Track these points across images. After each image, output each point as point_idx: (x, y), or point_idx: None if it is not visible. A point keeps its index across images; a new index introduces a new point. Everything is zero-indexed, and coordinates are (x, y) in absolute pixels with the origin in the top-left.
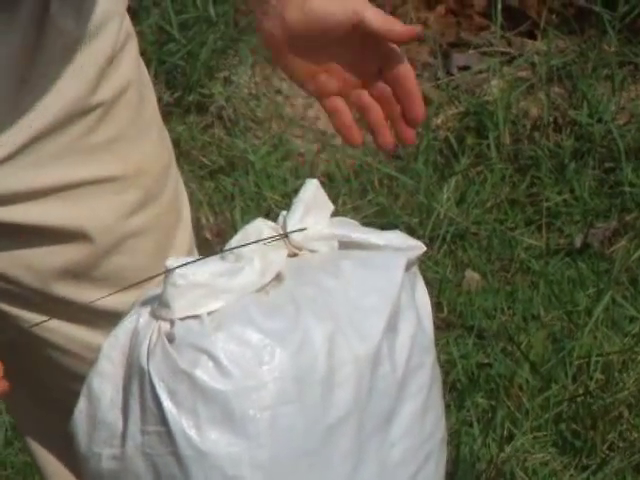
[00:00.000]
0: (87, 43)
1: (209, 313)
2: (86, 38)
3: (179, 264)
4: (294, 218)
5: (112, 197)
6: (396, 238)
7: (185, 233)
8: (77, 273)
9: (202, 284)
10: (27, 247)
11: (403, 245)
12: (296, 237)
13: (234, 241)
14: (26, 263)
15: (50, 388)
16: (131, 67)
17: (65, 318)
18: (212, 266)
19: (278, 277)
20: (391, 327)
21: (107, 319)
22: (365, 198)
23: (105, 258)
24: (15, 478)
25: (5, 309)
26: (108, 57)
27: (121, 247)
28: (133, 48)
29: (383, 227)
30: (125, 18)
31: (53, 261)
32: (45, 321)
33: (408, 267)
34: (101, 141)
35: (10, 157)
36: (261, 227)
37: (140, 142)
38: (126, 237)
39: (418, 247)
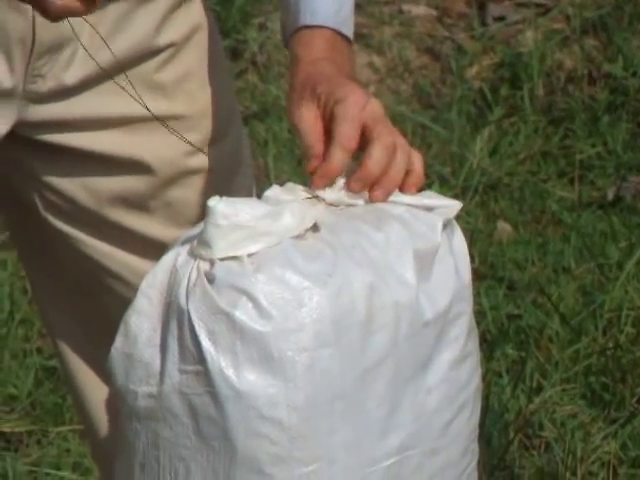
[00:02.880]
0: None
1: (249, 255)
2: None
3: (221, 203)
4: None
5: (172, 135)
6: (433, 199)
7: (245, 178)
8: (133, 201)
9: (243, 225)
10: (89, 171)
11: (440, 205)
12: (330, 195)
13: (270, 192)
14: (85, 185)
15: (95, 308)
16: (200, 10)
17: (118, 244)
18: (254, 208)
19: (315, 226)
20: (429, 277)
21: (157, 249)
22: None
23: (162, 190)
24: (45, 418)
25: (62, 227)
26: (175, 3)
27: (179, 182)
28: None
29: (423, 178)
30: None
31: (112, 186)
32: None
33: (445, 225)
34: (170, 80)
35: (81, 86)
36: (294, 187)
37: (207, 85)
38: (185, 173)
39: (455, 205)
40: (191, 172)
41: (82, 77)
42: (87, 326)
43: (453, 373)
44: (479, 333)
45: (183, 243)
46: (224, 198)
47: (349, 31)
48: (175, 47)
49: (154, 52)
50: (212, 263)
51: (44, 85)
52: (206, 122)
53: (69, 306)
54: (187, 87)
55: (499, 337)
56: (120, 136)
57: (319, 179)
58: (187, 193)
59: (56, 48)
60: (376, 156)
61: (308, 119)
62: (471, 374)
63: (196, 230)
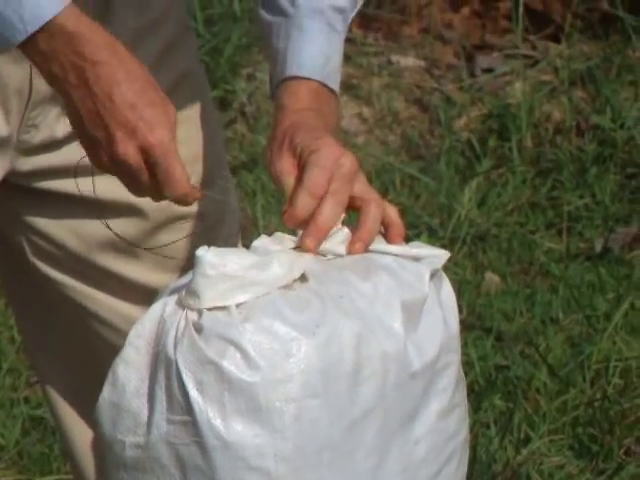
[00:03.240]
0: (146, 33)
1: (237, 305)
2: (146, 29)
3: (209, 253)
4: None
5: None
6: (421, 249)
7: (231, 226)
8: (122, 246)
9: (232, 275)
10: (79, 216)
11: (428, 255)
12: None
13: (258, 242)
14: (75, 230)
15: (84, 353)
16: (190, 56)
17: (106, 290)
18: (242, 258)
19: (303, 276)
20: (417, 327)
21: (146, 295)
22: (386, 198)
23: (151, 235)
24: (32, 468)
25: (49, 273)
26: (165, 47)
27: (168, 227)
28: (192, 40)
29: (404, 227)
30: (183, 12)
31: (102, 231)
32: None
33: (433, 274)
34: None
35: (71, 137)
36: (282, 236)
37: (199, 130)
38: (174, 218)
39: (443, 255)
40: (180, 217)
41: (68, 132)
42: (77, 372)
43: (441, 424)
44: (467, 384)
45: (171, 293)
46: (212, 248)
47: (335, 84)
48: (165, 92)
49: None
50: (200, 313)
51: (37, 136)
52: (198, 167)
53: (59, 352)
54: (179, 132)
55: (487, 388)
56: (112, 181)
57: (286, 221)
58: (175, 238)
59: (50, 99)
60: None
61: (287, 171)
62: (459, 425)
63: (184, 280)
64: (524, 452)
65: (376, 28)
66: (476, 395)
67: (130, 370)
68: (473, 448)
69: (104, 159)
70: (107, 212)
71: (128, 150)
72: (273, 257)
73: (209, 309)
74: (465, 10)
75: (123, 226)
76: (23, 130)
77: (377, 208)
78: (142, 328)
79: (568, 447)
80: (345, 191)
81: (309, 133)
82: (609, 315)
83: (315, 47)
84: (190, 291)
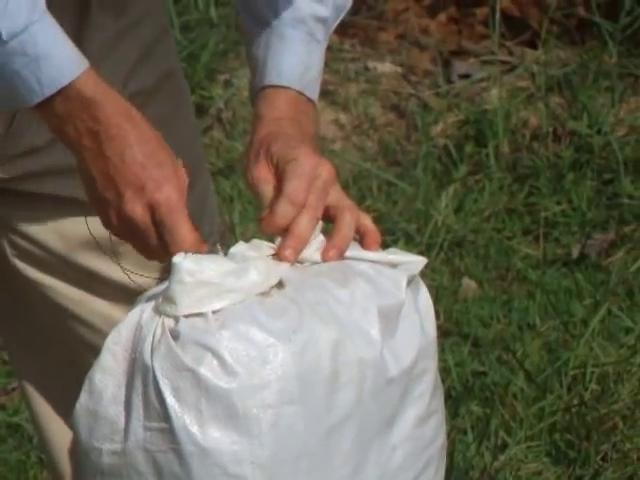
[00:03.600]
0: (125, 37)
1: (214, 312)
2: (124, 32)
3: (186, 260)
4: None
5: None
6: (397, 255)
7: (211, 225)
8: (104, 246)
9: (208, 282)
10: (61, 216)
11: (405, 261)
12: None
13: (235, 249)
14: (57, 229)
15: (64, 354)
16: (169, 57)
17: (88, 290)
18: (219, 265)
19: (280, 283)
20: (394, 333)
21: (127, 295)
22: (363, 204)
23: None
24: (9, 475)
25: (30, 274)
26: (145, 50)
27: None
28: (170, 41)
29: (381, 233)
30: (162, 13)
31: (85, 231)
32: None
33: (410, 281)
34: None
35: (51, 142)
36: (260, 243)
37: (178, 132)
38: None
39: (419, 261)
40: None
41: (49, 137)
42: (57, 373)
43: (418, 430)
44: (444, 390)
45: (148, 300)
46: (189, 255)
47: (314, 94)
48: (146, 94)
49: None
50: (177, 320)
51: (20, 144)
52: None
53: (39, 353)
54: (163, 130)
55: (464, 394)
56: None
57: (265, 228)
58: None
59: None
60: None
61: (264, 179)
62: (436, 431)
63: (161, 287)
64: (501, 458)
65: (352, 34)
66: (453, 401)
67: (107, 377)
68: (450, 454)
69: (114, 220)
70: (88, 211)
71: (136, 208)
72: (250, 264)
73: (186, 316)
74: (442, 16)
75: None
76: (8, 138)
77: (351, 215)
78: (119, 335)
79: (545, 453)
80: (322, 203)
81: (286, 142)
82: (586, 321)
83: (295, 56)
84: (167, 298)
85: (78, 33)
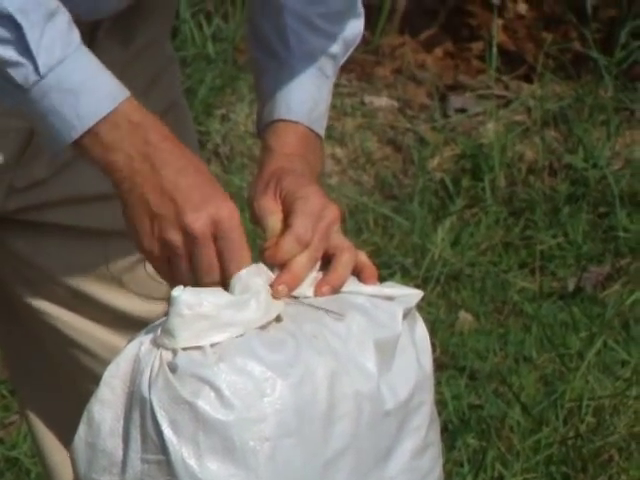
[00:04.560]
0: (132, 65)
1: (212, 345)
2: (131, 61)
3: (185, 293)
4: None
5: None
6: (394, 288)
7: None
8: (109, 275)
9: (207, 315)
10: (68, 245)
11: (401, 294)
12: None
13: (236, 279)
14: (63, 259)
15: (69, 384)
16: (175, 86)
17: (90, 318)
18: (218, 298)
19: (278, 316)
20: (390, 366)
21: (129, 324)
22: (360, 238)
23: (139, 265)
24: None
25: (34, 302)
26: (151, 79)
27: None
28: (176, 71)
29: (378, 267)
30: (168, 42)
31: (89, 259)
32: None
33: (406, 314)
34: None
35: (53, 174)
36: (259, 270)
37: None
38: None
39: (416, 294)
40: None
41: (53, 169)
42: (60, 402)
43: (415, 463)
44: (440, 423)
45: (147, 332)
46: (188, 288)
47: (321, 130)
48: None
49: None
50: (175, 352)
51: (27, 177)
52: None
53: (42, 382)
54: None
55: (460, 427)
56: (100, 210)
57: (267, 259)
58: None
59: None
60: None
61: (271, 210)
62: (433, 463)
63: (160, 319)
64: None
65: (349, 69)
66: (450, 434)
67: (105, 410)
68: None
69: (167, 235)
70: (107, 239)
71: (200, 219)
72: (251, 298)
73: (184, 349)
74: (438, 51)
75: (121, 251)
76: (17, 171)
77: (350, 255)
78: (117, 368)
79: None
80: (324, 244)
81: (296, 179)
82: (582, 354)
83: (304, 91)
84: (165, 330)
85: None
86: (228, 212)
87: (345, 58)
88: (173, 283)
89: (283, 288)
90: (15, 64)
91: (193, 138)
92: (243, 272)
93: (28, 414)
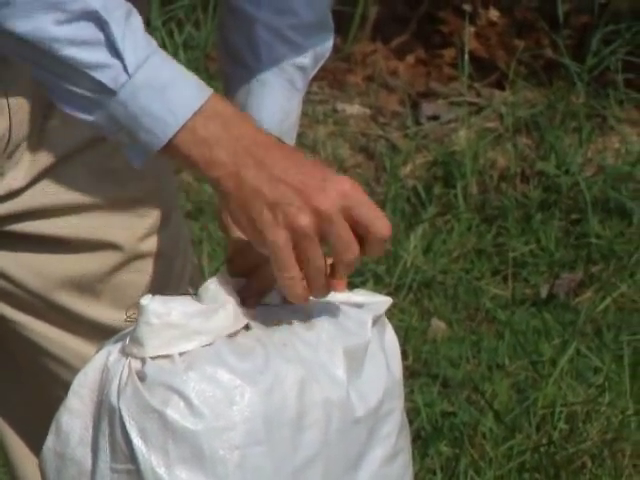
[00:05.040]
0: None
1: (181, 354)
2: None
3: (153, 302)
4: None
5: (130, 218)
6: (363, 296)
7: (185, 258)
8: (82, 284)
9: (176, 324)
10: (41, 255)
11: (370, 301)
12: None
13: (204, 288)
14: (35, 269)
15: (38, 392)
16: None
17: (64, 328)
18: (187, 306)
19: (247, 325)
20: (360, 374)
21: (103, 333)
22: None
23: (113, 274)
24: None
25: (4, 311)
26: None
27: (128, 265)
28: None
29: (350, 274)
30: None
31: (63, 269)
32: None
33: (375, 321)
34: (122, 165)
35: (29, 184)
36: (227, 278)
37: (157, 168)
38: (136, 257)
39: (385, 301)
40: (140, 256)
41: (30, 177)
42: (30, 411)
43: (385, 470)
44: (413, 430)
45: (115, 341)
46: (157, 297)
47: (291, 142)
48: None
49: (105, 138)
50: (144, 361)
51: (3, 186)
52: (158, 205)
53: (12, 391)
54: (140, 171)
55: (433, 434)
56: (75, 220)
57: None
58: (135, 277)
59: (18, 148)
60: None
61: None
62: (403, 471)
63: (128, 328)
64: None
65: (321, 77)
66: (422, 441)
67: (74, 419)
68: None
69: (294, 220)
70: (81, 249)
71: (329, 195)
72: (219, 306)
73: (153, 358)
74: (410, 58)
75: (95, 260)
76: None
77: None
78: (85, 377)
79: None
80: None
81: None
82: (554, 360)
83: (275, 103)
84: (134, 339)
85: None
86: (349, 183)
87: (315, 72)
88: (297, 273)
89: (252, 301)
90: (103, 66)
91: None
92: (210, 281)
93: None
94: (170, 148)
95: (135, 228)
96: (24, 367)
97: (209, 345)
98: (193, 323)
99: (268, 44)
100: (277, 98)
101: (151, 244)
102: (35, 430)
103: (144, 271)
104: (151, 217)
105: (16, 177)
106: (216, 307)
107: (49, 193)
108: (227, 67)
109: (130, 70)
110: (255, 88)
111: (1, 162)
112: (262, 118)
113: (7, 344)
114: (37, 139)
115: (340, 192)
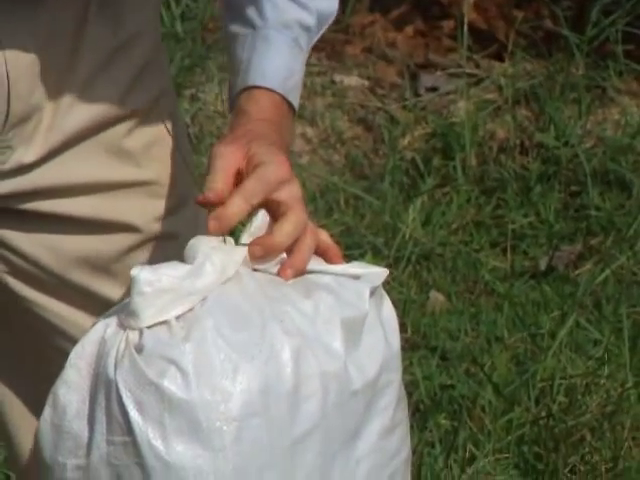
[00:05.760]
0: (122, 52)
1: (177, 318)
2: (121, 48)
3: (143, 271)
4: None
5: (145, 200)
6: (360, 268)
7: None
8: (97, 264)
9: (168, 289)
10: (57, 234)
11: (367, 273)
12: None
13: (188, 247)
14: (51, 247)
15: (45, 370)
16: (163, 76)
17: (77, 306)
18: (176, 270)
19: (245, 289)
20: (357, 345)
21: None
22: (331, 217)
23: (128, 255)
24: None
25: (20, 290)
26: (142, 66)
27: (144, 246)
28: (164, 59)
29: (348, 247)
30: (157, 30)
31: (79, 248)
32: None
33: (373, 292)
34: (139, 145)
35: (42, 160)
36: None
37: (175, 149)
38: (152, 238)
39: (382, 273)
40: (156, 237)
41: (42, 153)
42: (36, 388)
43: (382, 443)
44: (412, 403)
45: (112, 314)
46: (147, 266)
47: (295, 101)
48: (142, 113)
49: (120, 119)
50: (141, 333)
51: (10, 159)
52: (173, 188)
53: (18, 370)
54: (156, 153)
55: (432, 407)
56: (89, 199)
57: (213, 221)
58: (150, 258)
59: (24, 121)
60: (285, 230)
61: (228, 160)
62: (401, 444)
63: (124, 301)
64: (469, 471)
65: (319, 48)
66: (421, 414)
67: (71, 392)
68: (418, 467)
69: None
70: (98, 229)
71: None
72: (205, 260)
73: (149, 327)
74: (409, 29)
75: (111, 241)
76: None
77: (312, 238)
78: (82, 350)
79: (513, 466)
80: (301, 213)
81: (266, 146)
82: (554, 333)
83: (280, 59)
84: (129, 311)
85: (74, 48)
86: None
87: (319, 35)
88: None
89: (258, 249)
90: None
91: (182, 127)
92: (193, 240)
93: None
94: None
95: (151, 209)
96: (34, 348)
97: (205, 307)
98: (184, 284)
99: (273, 2)
100: (282, 55)
101: (167, 226)
102: (39, 407)
103: (160, 252)
104: (167, 199)
105: (27, 152)
106: (202, 263)
107: (62, 171)
108: (231, 27)
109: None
110: (259, 45)
111: (10, 135)
112: (267, 74)
113: (22, 324)
114: (51, 116)
115: None
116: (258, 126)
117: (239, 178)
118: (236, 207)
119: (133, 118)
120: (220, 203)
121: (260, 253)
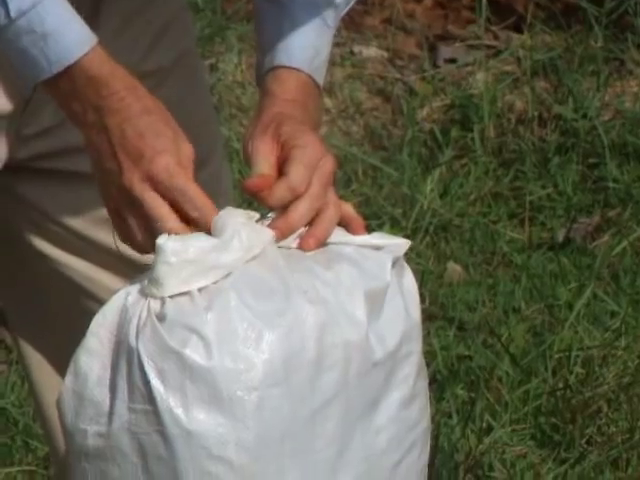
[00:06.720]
0: (141, 13)
1: (199, 290)
2: (140, 9)
3: (170, 241)
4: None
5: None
6: (381, 239)
7: (227, 204)
8: None
9: (193, 260)
10: (79, 192)
11: (388, 244)
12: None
13: (217, 219)
14: (76, 207)
15: (69, 330)
16: (186, 36)
17: (102, 266)
18: (203, 242)
19: (269, 261)
20: (379, 316)
21: (134, 267)
22: (349, 188)
23: None
24: None
25: (45, 250)
26: (161, 27)
27: None
28: (187, 19)
29: (367, 217)
30: None
31: (101, 208)
32: None
33: (394, 263)
34: (162, 102)
35: (64, 119)
36: (236, 211)
37: (194, 111)
38: None
39: (403, 244)
40: None
41: (59, 117)
42: (62, 350)
43: (402, 413)
44: (429, 373)
45: (134, 282)
46: (173, 235)
47: (321, 79)
48: (163, 73)
49: (143, 76)
50: (163, 301)
51: (34, 124)
52: (197, 148)
53: (45, 330)
54: (177, 111)
55: (449, 377)
56: None
57: (249, 187)
58: None
59: None
60: (300, 209)
61: (264, 151)
62: (420, 414)
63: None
64: (486, 441)
65: None
66: (438, 385)
67: (92, 359)
68: (435, 437)
69: (114, 192)
70: None
71: (133, 178)
72: (233, 236)
73: (171, 297)
74: (427, 0)
75: None
76: (24, 117)
77: (335, 210)
78: (104, 318)
79: (530, 436)
80: (322, 195)
81: (296, 127)
82: (571, 305)
83: (306, 39)
84: (152, 280)
85: (95, 6)
86: (163, 164)
87: (347, 9)
88: (124, 238)
89: (278, 233)
90: None
91: (205, 88)
92: (222, 213)
93: (26, 360)
94: (43, 87)
95: None
96: (59, 306)
97: (228, 281)
98: (209, 257)
99: None
100: (308, 35)
101: None
102: (61, 364)
103: None
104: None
105: (46, 116)
106: (229, 238)
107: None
108: (258, 5)
109: (13, 15)
110: (286, 25)
111: (36, 99)
112: (293, 54)
113: (49, 285)
114: None
115: (147, 174)
116: (284, 107)
117: (278, 164)
118: (280, 196)
119: (154, 78)
120: (267, 187)
121: (278, 236)
